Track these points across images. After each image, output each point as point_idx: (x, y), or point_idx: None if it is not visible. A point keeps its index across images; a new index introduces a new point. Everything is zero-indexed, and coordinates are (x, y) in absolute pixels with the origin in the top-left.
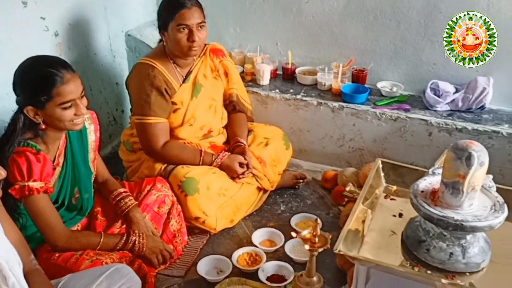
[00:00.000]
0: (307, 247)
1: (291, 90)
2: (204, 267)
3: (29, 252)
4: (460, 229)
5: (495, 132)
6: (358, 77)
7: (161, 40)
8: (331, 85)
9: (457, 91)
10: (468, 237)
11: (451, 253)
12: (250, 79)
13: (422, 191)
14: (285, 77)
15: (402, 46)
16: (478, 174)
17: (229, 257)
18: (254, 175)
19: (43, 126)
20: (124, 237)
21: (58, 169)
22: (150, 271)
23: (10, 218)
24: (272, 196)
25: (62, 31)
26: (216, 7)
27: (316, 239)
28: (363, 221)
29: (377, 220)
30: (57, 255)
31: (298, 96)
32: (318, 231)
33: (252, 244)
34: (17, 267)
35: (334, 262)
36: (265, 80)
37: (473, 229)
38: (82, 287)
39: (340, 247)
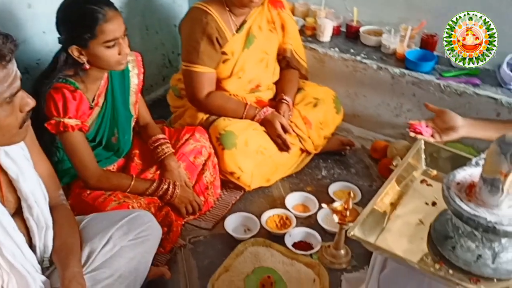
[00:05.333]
0: (336, 219)
1: (352, 50)
2: (232, 223)
3: (57, 187)
4: (492, 232)
5: None
6: (427, 43)
7: None
8: (396, 49)
9: None
10: (503, 240)
11: (479, 255)
12: (310, 34)
13: (458, 183)
14: (348, 35)
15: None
16: None
17: (259, 216)
18: (297, 135)
19: (87, 66)
20: (155, 184)
21: (97, 109)
22: (178, 220)
23: (43, 152)
24: (315, 159)
25: None
26: None
27: (347, 213)
28: (392, 204)
29: (407, 205)
30: (88, 192)
31: (358, 58)
32: (351, 205)
33: (285, 207)
34: (42, 200)
35: None
36: (326, 36)
37: (507, 234)
38: (102, 228)
39: (355, 231)
